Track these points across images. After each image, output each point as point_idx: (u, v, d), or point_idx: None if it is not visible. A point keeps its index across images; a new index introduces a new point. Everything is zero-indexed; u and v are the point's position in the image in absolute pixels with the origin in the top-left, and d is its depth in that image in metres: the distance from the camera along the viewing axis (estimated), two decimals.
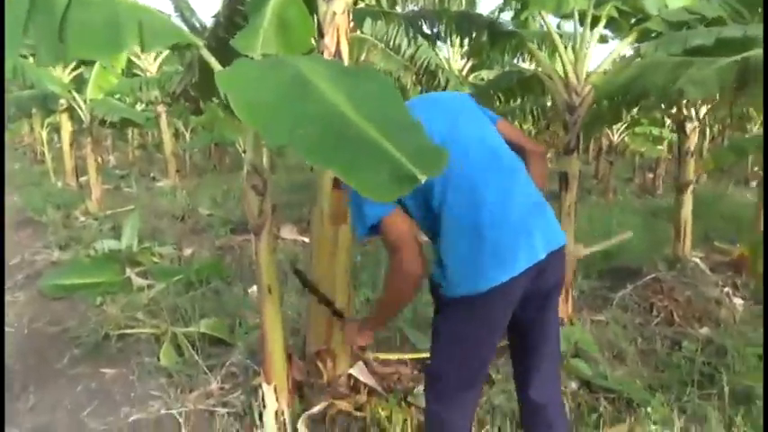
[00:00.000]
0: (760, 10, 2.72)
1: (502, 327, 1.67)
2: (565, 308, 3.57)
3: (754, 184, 10.26)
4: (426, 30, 3.83)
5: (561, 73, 3.35)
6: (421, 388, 2.64)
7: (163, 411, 2.60)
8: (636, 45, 3.22)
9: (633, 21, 3.41)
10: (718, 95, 2.00)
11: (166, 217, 7.16)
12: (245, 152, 1.87)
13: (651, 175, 11.10)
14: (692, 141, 4.39)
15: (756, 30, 2.51)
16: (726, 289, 4.24)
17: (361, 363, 2.43)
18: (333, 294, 2.39)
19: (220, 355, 3.03)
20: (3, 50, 1.64)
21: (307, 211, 6.99)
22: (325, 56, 2.36)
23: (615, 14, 3.57)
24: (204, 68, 2.58)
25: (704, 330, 3.59)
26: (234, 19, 2.69)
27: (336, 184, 2.38)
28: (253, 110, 1.31)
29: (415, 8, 6.32)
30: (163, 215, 7.26)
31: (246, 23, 2.33)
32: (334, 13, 2.37)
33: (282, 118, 1.28)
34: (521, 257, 1.55)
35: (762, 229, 1.87)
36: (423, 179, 1.09)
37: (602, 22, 3.45)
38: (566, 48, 3.37)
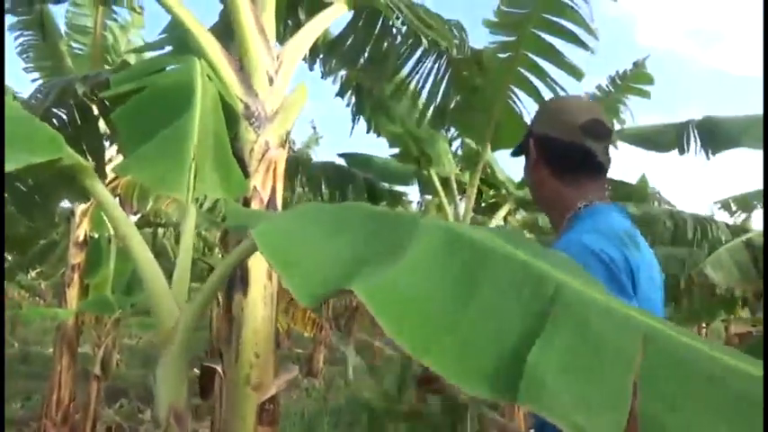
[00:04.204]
0: None
1: None
2: None
3: None
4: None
5: None
6: None
7: None
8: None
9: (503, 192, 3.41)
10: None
11: None
12: None
13: None
14: None
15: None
16: None
17: None
18: None
19: None
20: (3, 51, 1.19)
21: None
22: (256, 204, 1.57)
23: (477, 184, 3.56)
24: None
25: None
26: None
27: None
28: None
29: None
30: None
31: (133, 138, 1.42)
32: (267, 145, 1.65)
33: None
34: None
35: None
36: None
37: (473, 192, 3.38)
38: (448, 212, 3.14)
